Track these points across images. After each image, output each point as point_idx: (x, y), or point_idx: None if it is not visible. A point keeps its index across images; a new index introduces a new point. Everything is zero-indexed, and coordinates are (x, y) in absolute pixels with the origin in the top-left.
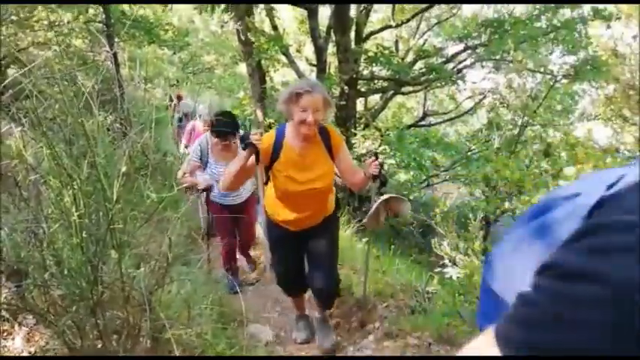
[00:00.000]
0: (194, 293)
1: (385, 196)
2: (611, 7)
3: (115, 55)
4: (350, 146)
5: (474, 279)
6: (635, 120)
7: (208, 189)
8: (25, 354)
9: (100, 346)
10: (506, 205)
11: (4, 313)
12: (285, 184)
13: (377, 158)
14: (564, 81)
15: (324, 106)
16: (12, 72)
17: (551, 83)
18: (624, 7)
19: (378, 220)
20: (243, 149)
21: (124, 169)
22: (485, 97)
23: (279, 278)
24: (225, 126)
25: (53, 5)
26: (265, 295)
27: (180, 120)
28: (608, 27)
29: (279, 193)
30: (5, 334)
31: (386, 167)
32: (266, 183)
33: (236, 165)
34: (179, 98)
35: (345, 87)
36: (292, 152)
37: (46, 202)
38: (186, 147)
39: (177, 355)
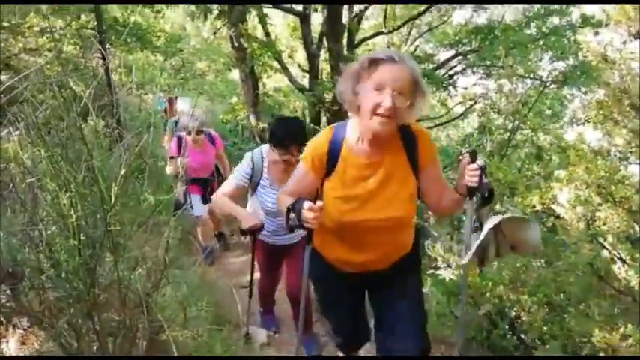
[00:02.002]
0: (190, 295)
1: (497, 218)
2: (599, 14)
3: (107, 61)
4: None
5: (467, 280)
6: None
7: (256, 230)
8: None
9: (96, 348)
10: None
11: None
12: (341, 210)
13: (474, 159)
14: (554, 86)
15: (413, 89)
16: (4, 77)
17: (541, 88)
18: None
19: (486, 257)
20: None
21: (122, 172)
22: (476, 103)
23: (331, 334)
24: (290, 135)
25: (45, 11)
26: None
27: (175, 124)
28: (596, 33)
29: (332, 224)
30: (0, 337)
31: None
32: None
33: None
34: (170, 102)
35: None
36: (356, 163)
37: (43, 205)
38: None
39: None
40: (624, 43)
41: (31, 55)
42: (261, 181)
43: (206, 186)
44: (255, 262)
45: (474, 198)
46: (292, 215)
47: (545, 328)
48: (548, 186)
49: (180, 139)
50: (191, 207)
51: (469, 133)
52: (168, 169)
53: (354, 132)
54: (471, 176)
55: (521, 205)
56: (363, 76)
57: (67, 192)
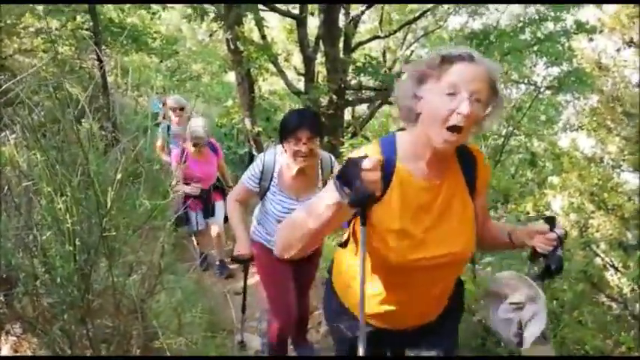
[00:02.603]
0: (184, 302)
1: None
2: (593, 21)
3: (102, 62)
4: (338, 155)
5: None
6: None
7: (245, 261)
8: None
9: (89, 354)
10: (492, 213)
11: None
12: (395, 248)
13: (553, 226)
14: (548, 92)
15: (491, 96)
16: None
17: (535, 94)
18: (607, 19)
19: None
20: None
21: (118, 176)
22: None
23: None
24: (301, 121)
25: (41, 11)
26: (254, 304)
27: (168, 128)
28: (591, 40)
29: (376, 267)
30: None
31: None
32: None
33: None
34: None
35: (334, 96)
36: (413, 187)
37: (38, 209)
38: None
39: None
40: (618, 50)
41: (27, 56)
42: (270, 186)
43: (207, 197)
44: (261, 287)
45: (538, 263)
46: (346, 189)
47: None
48: (542, 192)
49: (183, 150)
50: (190, 221)
51: None
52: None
53: (408, 147)
54: (545, 244)
55: (515, 212)
56: (431, 76)
57: (62, 196)
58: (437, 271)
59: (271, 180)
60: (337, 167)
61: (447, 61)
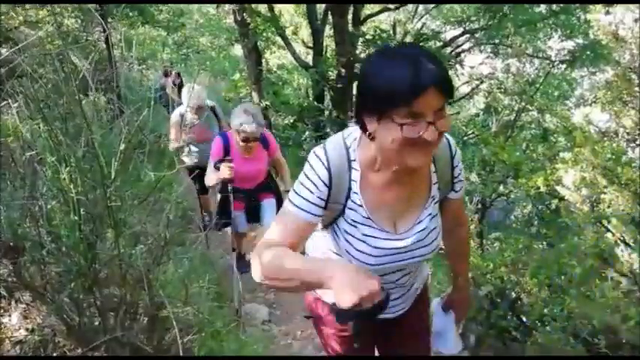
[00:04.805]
0: (191, 272)
1: None
2: None
3: (108, 35)
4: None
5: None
6: (635, 104)
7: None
8: (22, 331)
9: (97, 322)
10: (502, 188)
11: (0, 289)
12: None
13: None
14: (562, 66)
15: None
16: (4, 51)
17: (549, 69)
18: None
19: None
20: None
21: (122, 147)
22: (482, 82)
23: None
24: (423, 76)
25: None
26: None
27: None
28: (607, 12)
29: None
30: (2, 310)
31: None
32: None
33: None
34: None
35: (342, 69)
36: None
37: (43, 180)
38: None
39: (177, 332)
40: (636, 21)
41: (32, 27)
42: (347, 210)
43: (254, 198)
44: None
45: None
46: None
47: (545, 310)
48: (553, 167)
49: (226, 139)
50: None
51: (474, 113)
52: (172, 145)
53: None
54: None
55: (525, 186)
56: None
57: (66, 167)
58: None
59: (347, 198)
60: (459, 155)
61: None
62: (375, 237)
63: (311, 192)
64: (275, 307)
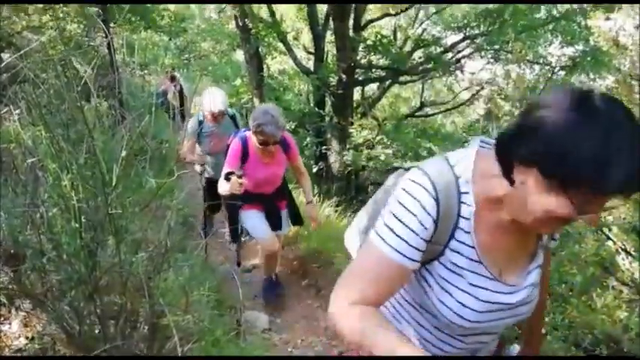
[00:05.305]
0: (192, 280)
1: None
2: None
3: (110, 40)
4: (347, 135)
5: None
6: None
7: None
8: (22, 339)
9: (97, 331)
10: None
11: (0, 297)
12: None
13: None
14: (562, 73)
15: None
16: (6, 56)
17: (550, 75)
18: None
19: None
20: None
21: (123, 153)
22: (483, 89)
23: None
24: None
25: None
26: (261, 282)
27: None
28: (607, 18)
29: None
30: (2, 318)
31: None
32: None
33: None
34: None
35: (343, 75)
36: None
37: (44, 187)
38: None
39: (177, 340)
40: (637, 27)
41: (34, 33)
42: (450, 251)
43: (272, 204)
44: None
45: None
46: None
47: (547, 319)
48: None
49: (245, 141)
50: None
51: (474, 119)
52: (188, 158)
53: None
54: None
55: None
56: None
57: (68, 173)
58: None
59: (451, 238)
60: None
61: None
62: (484, 288)
63: (412, 230)
64: (276, 315)
